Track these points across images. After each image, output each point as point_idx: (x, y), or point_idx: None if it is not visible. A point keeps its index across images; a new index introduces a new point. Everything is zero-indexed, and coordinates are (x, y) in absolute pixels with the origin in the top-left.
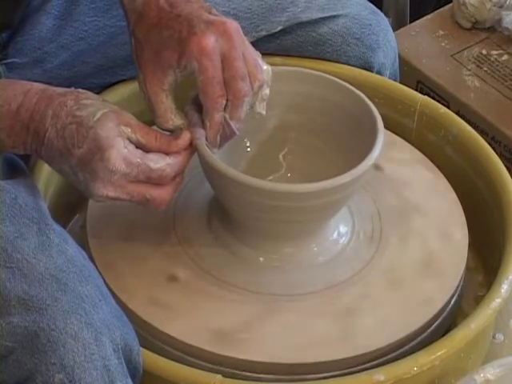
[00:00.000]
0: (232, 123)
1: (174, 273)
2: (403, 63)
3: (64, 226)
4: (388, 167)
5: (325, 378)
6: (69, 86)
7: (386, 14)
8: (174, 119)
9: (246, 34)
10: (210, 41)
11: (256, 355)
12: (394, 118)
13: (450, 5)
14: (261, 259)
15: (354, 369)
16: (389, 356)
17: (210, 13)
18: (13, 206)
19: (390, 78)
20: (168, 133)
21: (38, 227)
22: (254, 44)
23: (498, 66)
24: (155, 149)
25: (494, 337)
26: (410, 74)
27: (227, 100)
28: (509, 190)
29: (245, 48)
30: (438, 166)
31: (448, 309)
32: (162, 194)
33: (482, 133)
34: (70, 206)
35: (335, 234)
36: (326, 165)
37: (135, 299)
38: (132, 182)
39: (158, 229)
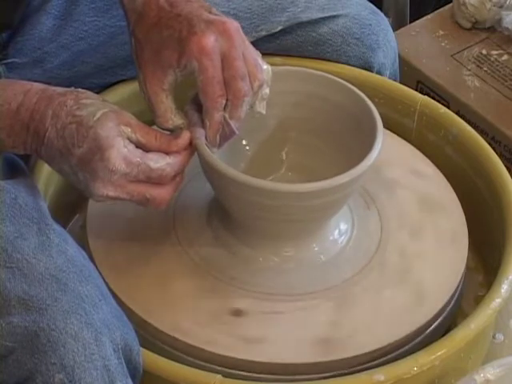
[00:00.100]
0: (232, 123)
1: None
2: (403, 63)
3: (64, 226)
4: (388, 167)
5: (325, 378)
6: (69, 86)
7: (386, 14)
8: (174, 119)
9: (246, 34)
10: (210, 40)
11: (256, 355)
12: (394, 118)
13: (450, 5)
14: (261, 259)
15: (354, 369)
16: (389, 356)
17: (210, 12)
18: (13, 206)
19: (390, 78)
20: (168, 132)
21: (38, 227)
22: (254, 44)
23: (498, 66)
24: (155, 148)
25: (494, 337)
26: (409, 74)
27: (227, 100)
28: (509, 190)
29: (245, 47)
30: (437, 166)
31: (448, 309)
32: (161, 193)
33: (482, 133)
34: (69, 206)
35: (335, 234)
36: (326, 164)
37: (135, 299)
38: (132, 182)
39: (158, 229)
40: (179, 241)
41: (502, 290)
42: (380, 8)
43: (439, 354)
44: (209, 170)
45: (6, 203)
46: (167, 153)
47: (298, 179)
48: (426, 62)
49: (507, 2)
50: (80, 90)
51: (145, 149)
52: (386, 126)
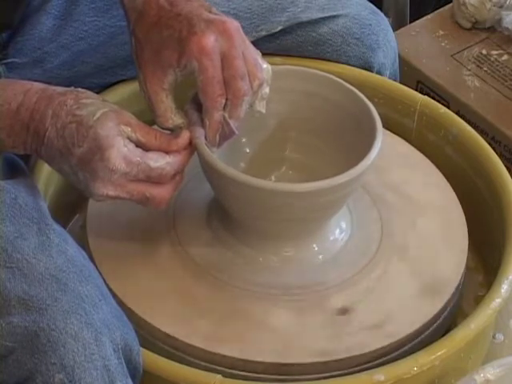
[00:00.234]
0: (231, 122)
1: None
2: (403, 63)
3: (64, 226)
4: (388, 167)
5: (325, 377)
6: (69, 86)
7: (386, 14)
8: (174, 118)
9: (246, 34)
10: (210, 40)
11: (256, 355)
12: (394, 118)
13: (450, 5)
14: (261, 259)
15: (354, 369)
16: (389, 356)
17: (210, 12)
18: (13, 206)
19: (390, 78)
20: (168, 132)
21: (38, 227)
22: (254, 44)
23: (498, 66)
24: (155, 148)
25: (494, 337)
26: (410, 74)
27: (227, 99)
28: (509, 190)
29: (245, 47)
30: (437, 166)
31: (448, 309)
32: (161, 192)
33: (482, 133)
34: (69, 206)
35: (335, 234)
36: (326, 164)
37: (135, 299)
38: (132, 181)
39: (158, 229)
40: (179, 241)
41: (502, 290)
42: (380, 8)
43: (439, 353)
44: (208, 170)
45: (6, 203)
46: (167, 152)
47: (298, 179)
48: (426, 62)
49: (507, 2)
50: (80, 89)
51: (145, 148)
52: (386, 126)
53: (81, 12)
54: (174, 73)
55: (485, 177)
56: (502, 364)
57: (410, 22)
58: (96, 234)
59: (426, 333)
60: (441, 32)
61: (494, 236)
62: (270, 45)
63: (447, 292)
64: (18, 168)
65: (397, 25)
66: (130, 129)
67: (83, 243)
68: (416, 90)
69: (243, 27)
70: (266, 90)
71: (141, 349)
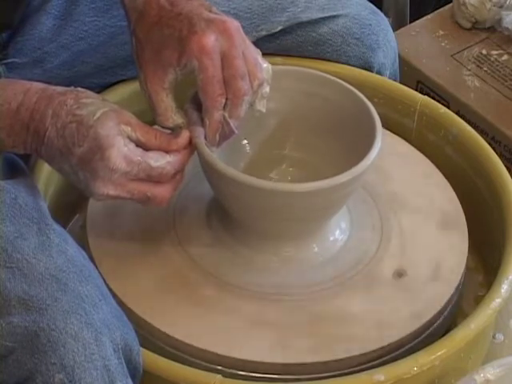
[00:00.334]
0: (231, 122)
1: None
2: (403, 63)
3: (64, 226)
4: (388, 167)
5: (325, 377)
6: (69, 86)
7: (386, 14)
8: (175, 118)
9: (246, 34)
10: (210, 39)
11: (256, 355)
12: (394, 118)
13: (450, 5)
14: (260, 259)
15: (354, 369)
16: (389, 356)
17: (210, 11)
18: (13, 206)
19: (390, 78)
20: (168, 131)
21: (38, 227)
22: (254, 44)
23: (498, 66)
24: (155, 147)
25: (494, 337)
26: (410, 74)
27: (227, 99)
28: (509, 190)
29: (245, 47)
30: (437, 166)
31: (448, 309)
32: (162, 192)
33: (482, 133)
34: (69, 206)
35: (335, 234)
36: (326, 164)
37: (135, 299)
38: (132, 181)
39: (158, 228)
40: (179, 241)
41: (502, 290)
42: (380, 8)
43: (439, 354)
44: (208, 170)
45: (6, 203)
46: (167, 151)
47: (298, 179)
48: (426, 62)
49: (507, 2)
50: (80, 89)
51: (145, 148)
52: (386, 126)
53: (81, 12)
54: (174, 72)
55: (485, 177)
56: (502, 364)
57: (410, 22)
58: (96, 234)
59: (426, 333)
60: (441, 32)
61: (494, 236)
62: (270, 45)
63: (447, 292)
64: (18, 168)
65: (397, 25)
66: (130, 128)
67: (83, 243)
68: (416, 90)
69: (243, 27)
70: (267, 89)
71: (141, 349)
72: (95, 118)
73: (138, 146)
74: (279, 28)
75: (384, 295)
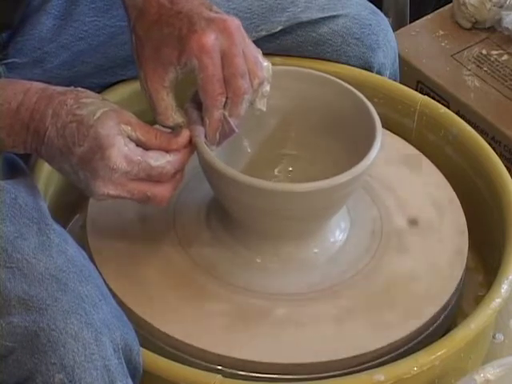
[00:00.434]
0: (231, 121)
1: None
2: (403, 63)
3: (64, 226)
4: (387, 167)
5: (325, 377)
6: (69, 86)
7: (386, 14)
8: (175, 116)
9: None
10: (210, 38)
11: (256, 355)
12: (394, 118)
13: (450, 5)
14: (260, 259)
15: (354, 369)
16: (389, 356)
17: (210, 10)
18: (13, 206)
19: (390, 78)
20: (168, 130)
21: (38, 227)
22: (254, 44)
23: (498, 66)
24: (155, 146)
25: (494, 337)
26: (410, 74)
27: (227, 97)
28: (509, 190)
29: (245, 45)
30: (437, 166)
31: (448, 309)
32: (162, 191)
33: (482, 133)
34: (70, 206)
35: (335, 234)
36: (326, 164)
37: (135, 299)
38: (133, 180)
39: (158, 228)
40: (179, 241)
41: (502, 290)
42: (380, 8)
43: (439, 353)
44: (208, 170)
45: (6, 203)
46: (167, 151)
47: (298, 179)
48: (426, 62)
49: (507, 2)
50: (80, 89)
51: (145, 147)
52: (386, 126)
53: (81, 12)
54: (174, 70)
55: (485, 177)
56: (502, 364)
57: (410, 22)
58: (96, 234)
59: (426, 333)
60: (441, 32)
61: (494, 236)
62: (270, 45)
63: (447, 292)
64: (18, 168)
65: (397, 25)
66: (130, 128)
67: (83, 243)
68: (416, 90)
69: (243, 27)
70: (267, 88)
71: (141, 349)
72: (95, 117)
73: (138, 145)
74: (279, 28)
75: (383, 295)
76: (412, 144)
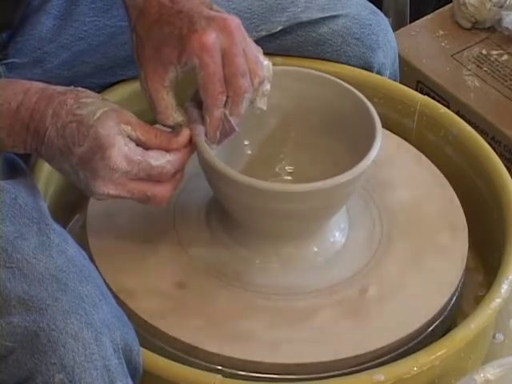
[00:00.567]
0: (232, 119)
1: (174, 273)
2: (403, 63)
3: (64, 226)
4: (387, 167)
5: (325, 377)
6: (68, 86)
7: (386, 14)
8: (175, 116)
9: None
10: (211, 37)
11: (256, 355)
12: (394, 118)
13: (450, 5)
14: (260, 259)
15: (354, 369)
16: (389, 356)
17: (211, 9)
18: (13, 206)
19: (390, 78)
20: (168, 129)
21: (38, 227)
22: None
23: (498, 66)
24: (155, 146)
25: (494, 337)
26: (410, 74)
27: (227, 96)
28: (509, 190)
29: (246, 44)
30: (437, 166)
31: (448, 309)
32: (162, 191)
33: (482, 133)
34: (70, 206)
35: (335, 234)
36: (326, 165)
37: (135, 299)
38: (133, 180)
39: (158, 228)
40: (179, 241)
41: (502, 290)
42: (380, 8)
43: (439, 353)
44: (208, 170)
45: (6, 203)
46: (167, 150)
47: (298, 179)
48: (426, 62)
49: (507, 2)
50: (80, 88)
51: (145, 147)
52: (386, 126)
53: (81, 12)
54: (174, 70)
55: (485, 177)
56: (502, 364)
57: (410, 22)
58: (96, 234)
59: (426, 333)
60: (441, 32)
61: (494, 236)
62: (270, 45)
63: (447, 292)
64: (18, 168)
65: (397, 25)
66: (130, 128)
67: (83, 243)
68: (416, 90)
69: (243, 27)
70: (267, 86)
71: (141, 349)
72: (95, 117)
73: (138, 145)
74: (279, 28)
75: (383, 295)
76: (412, 144)
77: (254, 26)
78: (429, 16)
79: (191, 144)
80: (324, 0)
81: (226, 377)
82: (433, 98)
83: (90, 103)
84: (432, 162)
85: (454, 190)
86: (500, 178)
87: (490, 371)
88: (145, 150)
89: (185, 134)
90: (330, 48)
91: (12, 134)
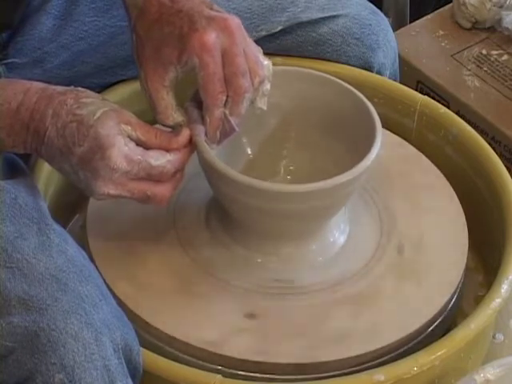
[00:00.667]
0: (232, 119)
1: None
2: (403, 63)
3: (64, 226)
4: (387, 167)
5: (325, 377)
6: (68, 86)
7: (386, 14)
8: (175, 115)
9: None
10: (211, 37)
11: (256, 355)
12: (394, 118)
13: (450, 5)
14: (260, 259)
15: (354, 369)
16: (389, 356)
17: (211, 8)
18: (13, 206)
19: (390, 78)
20: (168, 129)
21: (38, 227)
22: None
23: (498, 66)
24: (155, 146)
25: (494, 337)
26: (410, 74)
27: (227, 96)
28: (509, 190)
29: (246, 44)
30: (437, 166)
31: (448, 309)
32: (162, 190)
33: (482, 133)
34: (70, 206)
35: (335, 234)
36: (326, 165)
37: (135, 299)
38: (133, 180)
39: (158, 229)
40: (179, 241)
41: (502, 290)
42: (380, 8)
43: (439, 353)
44: (208, 170)
45: (6, 203)
46: (167, 150)
47: (298, 179)
48: (426, 62)
49: (507, 2)
50: (80, 88)
51: (145, 147)
52: (386, 126)
53: (81, 12)
54: (174, 70)
55: (485, 177)
56: (502, 364)
57: (410, 22)
58: (96, 234)
59: (426, 333)
60: (441, 32)
61: (494, 236)
62: (270, 45)
63: (447, 292)
64: (18, 168)
65: (397, 25)
66: (130, 127)
67: (83, 243)
68: (416, 90)
69: (243, 27)
70: (267, 86)
71: (141, 349)
72: (95, 117)
73: (138, 145)
74: (279, 28)
75: (383, 295)
76: (412, 144)
77: (253, 26)
78: (429, 16)
79: (191, 144)
80: (324, 0)
81: (226, 377)
82: (433, 98)
83: (90, 103)
84: (432, 162)
85: (454, 189)
86: (500, 177)
87: (490, 371)
88: (145, 150)
89: (185, 133)
90: (330, 48)
91: (12, 134)
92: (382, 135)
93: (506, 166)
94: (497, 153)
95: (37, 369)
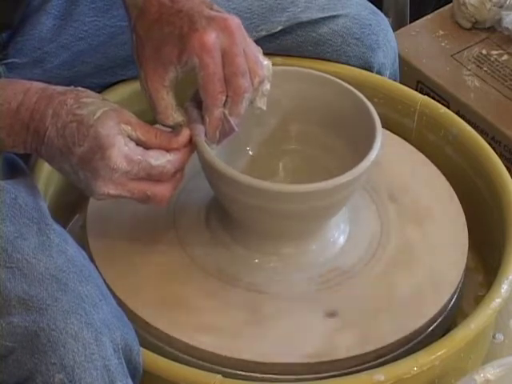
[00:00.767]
0: (231, 119)
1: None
2: (403, 63)
3: (64, 226)
4: (388, 167)
5: (325, 377)
6: (68, 86)
7: (386, 14)
8: (175, 115)
9: None
10: (211, 37)
11: (256, 355)
12: (394, 118)
13: (450, 5)
14: (260, 259)
15: (354, 369)
16: (389, 356)
17: (211, 8)
18: (13, 206)
19: (390, 77)
20: (168, 129)
21: (38, 227)
22: (254, 44)
23: (498, 66)
24: (155, 146)
25: (494, 337)
26: (410, 74)
27: (227, 96)
28: (509, 190)
29: (246, 44)
30: (437, 166)
31: (448, 309)
32: (162, 190)
33: (482, 133)
34: (70, 206)
35: (335, 234)
36: (326, 165)
37: (135, 299)
38: (133, 180)
39: (158, 228)
40: (179, 241)
41: (502, 290)
42: (380, 8)
43: (439, 353)
44: (208, 169)
45: (6, 203)
46: (167, 150)
47: (298, 180)
48: (426, 62)
49: (507, 2)
50: (80, 88)
51: (145, 146)
52: (386, 126)
53: (81, 12)
54: (174, 70)
55: (485, 177)
56: (502, 364)
57: (410, 22)
58: (96, 234)
59: (426, 333)
60: (441, 32)
61: (494, 236)
62: (270, 45)
63: (447, 292)
64: (18, 168)
65: (397, 25)
66: (130, 127)
67: (83, 243)
68: (416, 90)
69: (243, 27)
70: (267, 86)
71: (141, 349)
72: (95, 117)
73: (138, 145)
74: (279, 28)
75: (383, 296)
76: (412, 144)
77: (253, 26)
78: (429, 16)
79: (191, 144)
80: (324, 0)
81: (226, 377)
82: (433, 98)
83: (90, 103)
84: (432, 162)
85: (454, 189)
86: (500, 177)
87: (490, 371)
88: (145, 150)
89: (185, 133)
90: (330, 48)
91: (12, 134)
92: (382, 135)
93: (506, 166)
94: (497, 153)
95: (37, 369)
